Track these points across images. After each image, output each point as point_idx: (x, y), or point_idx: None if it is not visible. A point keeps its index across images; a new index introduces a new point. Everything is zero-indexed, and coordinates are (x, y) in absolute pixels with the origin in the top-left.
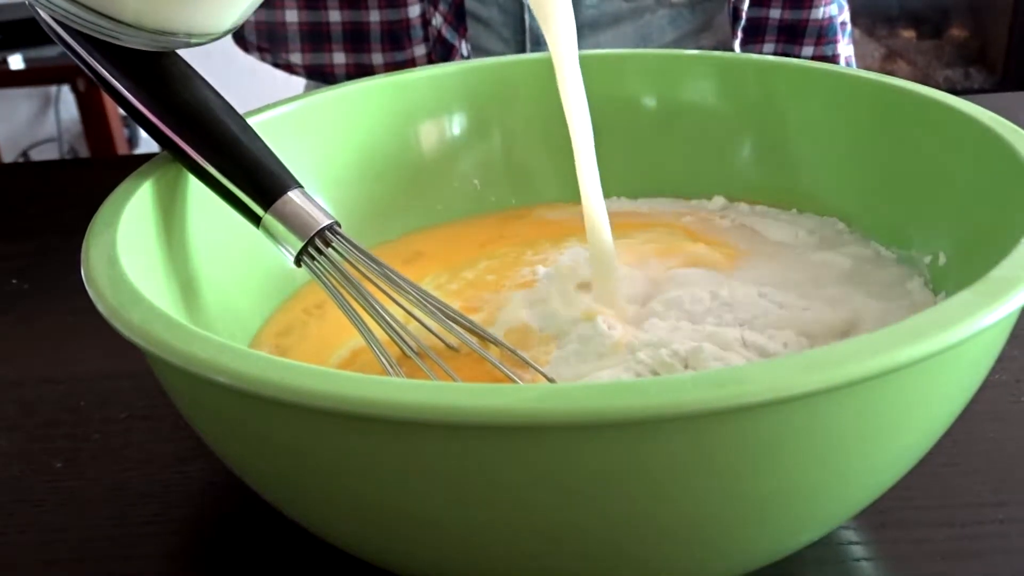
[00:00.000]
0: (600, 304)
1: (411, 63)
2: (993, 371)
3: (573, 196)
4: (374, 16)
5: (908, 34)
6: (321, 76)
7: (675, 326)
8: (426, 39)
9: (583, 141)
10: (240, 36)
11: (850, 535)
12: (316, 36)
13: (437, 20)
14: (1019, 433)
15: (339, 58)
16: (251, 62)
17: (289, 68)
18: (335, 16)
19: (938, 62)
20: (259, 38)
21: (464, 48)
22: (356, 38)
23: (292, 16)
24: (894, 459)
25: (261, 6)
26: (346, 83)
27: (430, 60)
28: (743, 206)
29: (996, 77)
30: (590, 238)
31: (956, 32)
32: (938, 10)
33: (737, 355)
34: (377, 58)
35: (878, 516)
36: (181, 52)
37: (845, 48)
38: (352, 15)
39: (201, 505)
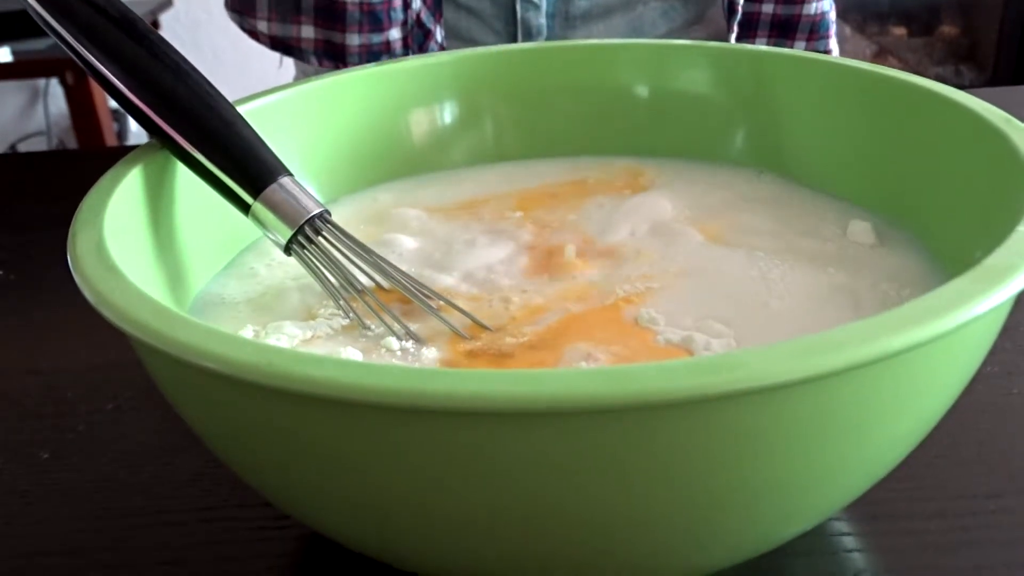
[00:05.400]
0: None
1: (386, 46)
2: (985, 364)
3: None
4: None
5: (899, 31)
6: (286, 49)
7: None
8: (404, 22)
9: None
10: None
11: (841, 526)
12: (284, 4)
13: (416, 4)
14: (1011, 425)
15: (307, 32)
16: (241, 56)
17: (255, 35)
18: None
19: (929, 59)
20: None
21: (439, 34)
22: (328, 16)
23: None
24: (887, 448)
25: None
26: (338, 72)
27: (405, 44)
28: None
29: (986, 74)
30: None
31: (947, 29)
32: (929, 7)
33: (729, 344)
34: (353, 39)
35: (870, 507)
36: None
37: (833, 44)
38: None
39: (188, 496)
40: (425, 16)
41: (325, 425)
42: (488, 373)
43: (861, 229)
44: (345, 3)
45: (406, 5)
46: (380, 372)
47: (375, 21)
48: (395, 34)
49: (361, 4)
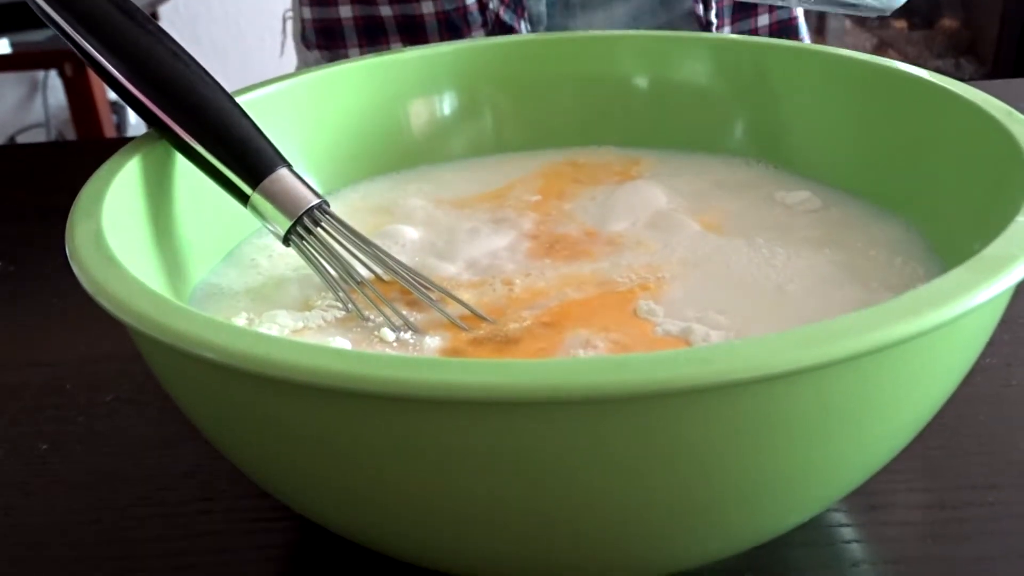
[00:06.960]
0: None
1: None
2: (984, 355)
3: None
4: (427, 8)
5: (899, 24)
6: None
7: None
8: (484, 23)
9: None
10: (303, 35)
11: (839, 517)
12: (372, 30)
13: (494, 3)
14: (1009, 417)
15: (397, 48)
16: (241, 48)
17: None
18: (387, 11)
19: (929, 52)
20: (317, 36)
21: (523, 28)
22: (410, 30)
23: (347, 11)
24: (885, 439)
25: (316, 4)
26: (337, 62)
27: None
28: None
29: (986, 68)
30: None
31: (947, 22)
32: (929, 1)
33: (728, 335)
34: None
35: (868, 498)
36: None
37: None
38: (402, 8)
39: (187, 488)
40: (505, 15)
41: (325, 414)
42: (472, 363)
43: (804, 197)
44: (423, 15)
45: (482, 7)
46: (380, 362)
47: (454, 27)
48: (478, 36)
49: (437, 13)
